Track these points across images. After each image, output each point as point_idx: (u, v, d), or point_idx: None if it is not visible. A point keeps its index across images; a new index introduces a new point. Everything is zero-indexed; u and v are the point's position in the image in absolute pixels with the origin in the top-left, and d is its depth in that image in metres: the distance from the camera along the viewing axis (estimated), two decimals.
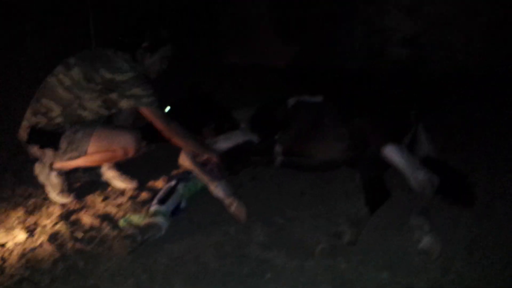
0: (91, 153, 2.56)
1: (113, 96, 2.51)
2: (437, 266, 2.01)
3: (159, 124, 2.57)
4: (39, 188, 2.78)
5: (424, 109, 3.03)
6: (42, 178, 2.72)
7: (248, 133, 2.98)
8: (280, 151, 2.88)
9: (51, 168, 2.68)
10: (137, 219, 2.39)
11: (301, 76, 5.50)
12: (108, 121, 2.79)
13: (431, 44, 5.33)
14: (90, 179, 2.94)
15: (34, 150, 2.60)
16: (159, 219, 2.32)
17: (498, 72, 4.79)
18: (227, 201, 2.47)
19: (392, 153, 2.48)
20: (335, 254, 2.13)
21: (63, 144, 2.53)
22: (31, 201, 2.72)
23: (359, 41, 5.65)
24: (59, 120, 2.52)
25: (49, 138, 2.55)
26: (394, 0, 5.34)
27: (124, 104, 2.53)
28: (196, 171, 2.65)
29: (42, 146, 2.58)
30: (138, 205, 2.65)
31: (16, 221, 2.50)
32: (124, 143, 2.57)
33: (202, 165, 2.72)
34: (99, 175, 2.91)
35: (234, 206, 2.44)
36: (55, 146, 2.54)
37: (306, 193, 2.74)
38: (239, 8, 6.15)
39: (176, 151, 2.79)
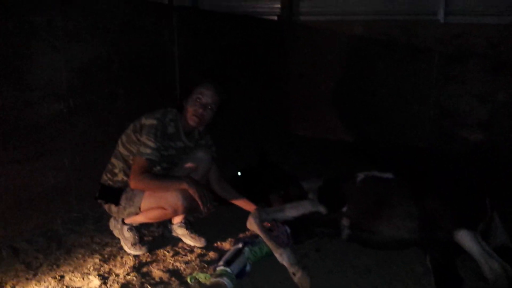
0: (144, 210, 2.72)
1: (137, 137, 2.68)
2: None
3: (133, 171, 2.60)
4: (116, 238, 2.94)
5: (498, 197, 2.95)
6: (116, 232, 2.92)
7: (315, 204, 3.02)
8: (347, 225, 2.89)
9: (123, 222, 2.87)
10: (203, 277, 2.45)
11: (370, 152, 5.54)
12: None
13: (503, 131, 5.23)
14: (163, 234, 3.07)
15: (103, 205, 2.84)
16: (225, 280, 2.36)
17: None
18: (292, 269, 2.48)
19: (465, 239, 2.43)
20: None
21: (122, 200, 2.74)
22: (107, 250, 2.87)
23: (430, 123, 5.65)
24: (121, 176, 2.75)
25: (113, 195, 2.77)
26: (467, 86, 5.36)
27: (134, 148, 2.68)
28: (263, 236, 2.70)
29: (107, 202, 2.80)
30: (206, 263, 2.72)
31: (92, 268, 2.65)
32: (172, 202, 2.63)
33: (269, 231, 2.78)
34: (170, 231, 3.04)
35: (298, 276, 2.44)
36: (116, 202, 2.75)
37: (371, 271, 2.68)
38: (310, 82, 6.40)
39: (245, 214, 2.88)
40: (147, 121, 2.65)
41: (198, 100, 2.75)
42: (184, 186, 2.58)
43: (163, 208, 2.67)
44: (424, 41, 5.54)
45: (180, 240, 3.00)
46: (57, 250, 2.83)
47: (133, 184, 2.60)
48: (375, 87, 5.94)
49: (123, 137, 2.77)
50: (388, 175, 3.02)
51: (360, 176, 3.09)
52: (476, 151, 5.30)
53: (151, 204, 2.70)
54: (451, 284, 2.35)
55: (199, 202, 2.55)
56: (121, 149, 2.75)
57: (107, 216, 3.12)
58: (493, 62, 5.20)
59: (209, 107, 2.77)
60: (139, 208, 2.72)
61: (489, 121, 5.30)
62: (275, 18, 6.63)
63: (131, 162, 2.70)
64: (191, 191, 2.57)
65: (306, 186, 3.25)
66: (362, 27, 5.92)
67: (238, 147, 4.89)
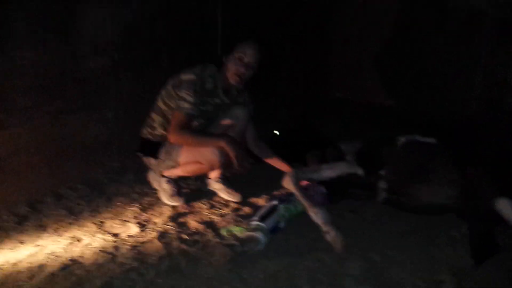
0: (183, 164, 2.77)
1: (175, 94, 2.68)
2: None
3: (172, 126, 2.63)
4: (154, 188, 3.03)
5: None
6: (155, 184, 3.01)
7: (353, 166, 2.99)
8: (384, 188, 2.85)
9: (161, 175, 2.94)
10: (238, 230, 2.51)
11: (414, 118, 5.37)
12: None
13: None
14: (200, 188, 3.15)
15: (142, 158, 2.90)
16: (259, 234, 2.40)
17: None
18: (325, 228, 2.49)
19: (505, 208, 2.35)
20: None
21: (161, 154, 2.79)
22: (146, 199, 2.97)
23: (478, 91, 5.40)
24: (160, 130, 2.79)
25: (152, 148, 2.83)
26: None
27: (173, 103, 2.68)
28: (298, 194, 2.71)
29: (146, 155, 2.86)
30: (240, 218, 2.77)
31: (131, 215, 2.75)
32: (209, 157, 2.68)
33: (304, 190, 2.78)
34: (207, 185, 3.10)
35: (331, 234, 2.45)
36: (155, 155, 2.80)
37: (406, 234, 2.65)
38: (355, 47, 6.22)
39: (280, 173, 2.89)
40: (186, 76, 2.66)
41: (240, 59, 2.72)
42: (222, 144, 2.62)
43: (200, 162, 2.72)
44: (476, 4, 5.22)
45: (216, 194, 3.06)
46: (98, 198, 2.96)
47: (172, 138, 2.65)
48: (422, 51, 5.69)
49: (163, 92, 2.80)
50: (431, 140, 2.93)
51: (402, 139, 3.01)
52: None
53: (189, 158, 2.74)
54: (487, 251, 2.30)
55: (234, 161, 2.59)
56: (160, 104, 2.79)
57: (147, 168, 3.22)
58: None
59: (251, 66, 2.75)
60: (177, 162, 2.78)
61: None
62: None
63: (170, 117, 2.74)
64: (228, 149, 2.60)
65: (345, 148, 3.20)
66: None
67: (279, 108, 4.87)
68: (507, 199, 2.36)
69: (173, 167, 2.83)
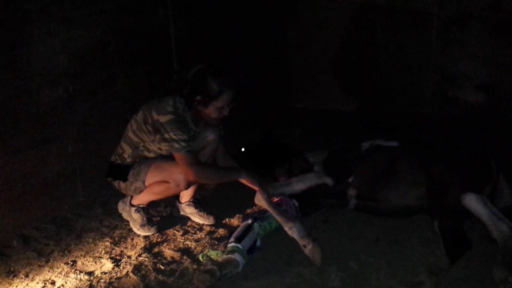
0: (149, 184, 2.74)
1: (158, 137, 2.61)
2: None
3: (183, 170, 2.60)
4: (125, 220, 2.96)
5: (503, 159, 2.94)
6: (124, 214, 2.94)
7: (321, 176, 3.02)
8: (354, 195, 2.90)
9: (131, 204, 2.89)
10: (215, 254, 2.48)
11: (372, 122, 5.51)
12: None
13: (507, 92, 5.17)
14: (171, 214, 3.09)
15: (112, 182, 2.86)
16: (237, 256, 2.38)
17: None
18: (302, 242, 2.49)
19: (473, 202, 2.44)
20: None
21: (130, 176, 2.77)
22: (117, 232, 2.90)
23: (431, 88, 5.60)
24: (129, 160, 2.78)
25: (120, 171, 2.80)
26: (467, 49, 5.26)
27: (163, 147, 2.65)
28: (271, 210, 2.70)
29: (115, 179, 2.82)
30: (216, 241, 2.74)
31: (103, 251, 2.67)
32: (175, 175, 2.64)
33: (277, 205, 2.79)
34: (178, 211, 3.06)
35: (309, 248, 2.46)
36: (124, 178, 2.78)
37: (381, 239, 2.71)
38: (309, 53, 6.32)
39: (252, 190, 2.88)
40: (163, 117, 2.56)
41: (222, 107, 2.66)
42: (243, 176, 2.74)
43: (166, 182, 2.70)
44: (422, 5, 5.44)
45: (189, 219, 3.02)
46: (67, 236, 2.86)
47: (191, 177, 2.60)
48: (376, 55, 5.85)
49: (133, 124, 2.74)
50: (393, 143, 3.01)
51: (365, 145, 3.08)
52: (479, 115, 5.26)
53: (156, 177, 2.72)
54: (459, 248, 2.37)
55: (259, 191, 2.69)
56: (131, 135, 2.74)
57: (114, 199, 3.15)
58: (493, 23, 5.09)
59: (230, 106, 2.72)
60: (144, 182, 2.73)
61: (491, 84, 5.23)
62: None
63: (142, 148, 2.74)
64: (250, 181, 2.75)
65: (311, 158, 3.23)
66: None
67: (241, 122, 4.87)
68: (474, 193, 2.44)
69: (141, 189, 2.78)
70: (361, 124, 5.40)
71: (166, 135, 2.56)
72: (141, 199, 2.86)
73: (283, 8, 6.21)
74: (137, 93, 3.78)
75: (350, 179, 2.93)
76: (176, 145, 2.56)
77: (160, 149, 2.72)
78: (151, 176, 2.71)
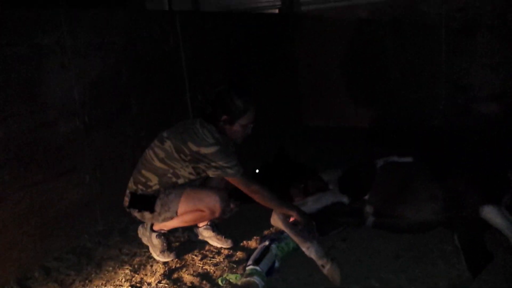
0: (181, 214, 2.75)
1: (201, 165, 2.68)
2: None
3: (243, 189, 2.70)
4: (143, 247, 2.99)
5: None
6: (144, 239, 2.94)
7: (337, 194, 3.02)
8: (371, 212, 2.89)
9: (152, 230, 2.90)
10: (234, 278, 2.48)
11: (386, 137, 5.50)
12: (202, 182, 2.98)
13: None
14: (189, 239, 3.11)
15: (135, 213, 2.83)
16: (256, 279, 2.38)
17: None
18: (320, 262, 2.49)
19: (491, 214, 2.42)
20: None
21: (157, 206, 2.75)
22: (137, 260, 2.92)
23: (443, 100, 5.58)
24: (156, 187, 2.76)
25: (146, 202, 2.78)
26: (477, 59, 5.26)
27: (211, 173, 2.70)
28: (288, 231, 2.71)
29: (140, 210, 2.81)
30: (234, 264, 2.74)
31: (123, 279, 2.69)
32: (210, 204, 2.71)
33: (294, 226, 2.79)
34: (196, 235, 3.07)
35: (327, 268, 2.45)
36: (151, 208, 2.76)
37: (401, 255, 2.68)
38: (319, 71, 6.37)
39: (268, 212, 2.89)
40: (206, 149, 2.63)
41: (247, 125, 2.78)
42: (294, 214, 2.75)
43: (200, 210, 2.74)
44: (429, 17, 5.46)
45: (207, 243, 3.03)
46: (88, 265, 2.89)
47: (253, 197, 2.72)
48: (386, 70, 5.88)
49: (160, 153, 2.74)
50: (408, 159, 3.01)
51: (380, 162, 3.08)
52: (493, 124, 5.22)
53: (189, 207, 2.74)
54: (481, 261, 2.34)
55: (310, 231, 2.73)
56: (158, 163, 2.74)
57: (133, 227, 3.17)
58: (501, 31, 5.11)
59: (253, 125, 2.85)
60: (176, 213, 2.76)
61: (502, 92, 5.21)
62: (276, 11, 6.62)
63: (170, 176, 2.74)
64: (299, 220, 2.75)
65: (326, 177, 3.24)
66: (366, 11, 5.86)
67: (253, 143, 4.90)
68: (492, 205, 2.42)
69: (171, 218, 2.80)
70: (374, 140, 5.39)
71: (215, 164, 2.64)
72: (166, 225, 2.88)
73: (290, 27, 6.30)
74: (151, 120, 3.86)
75: (366, 197, 2.92)
76: (230, 171, 2.64)
77: (191, 173, 2.76)
78: (184, 206, 2.74)
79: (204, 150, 2.62)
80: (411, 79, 5.74)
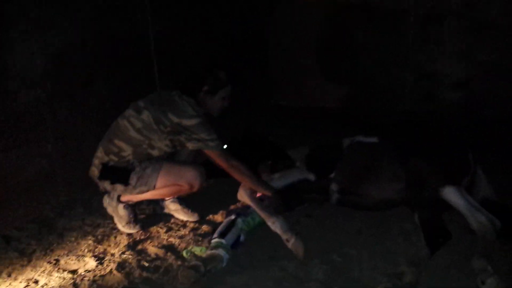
0: (159, 187, 2.73)
1: (181, 138, 2.68)
2: None
3: (221, 163, 2.74)
4: (107, 218, 2.95)
5: (479, 153, 3.01)
6: (110, 210, 2.90)
7: (304, 172, 3.06)
8: (336, 190, 2.94)
9: (118, 200, 2.85)
10: (199, 250, 2.49)
11: (353, 118, 5.58)
12: (170, 156, 2.95)
13: (482, 89, 5.29)
14: (154, 211, 3.09)
15: (106, 185, 2.78)
16: (221, 251, 2.40)
17: None
18: (285, 236, 2.52)
19: (451, 195, 2.48)
20: None
21: (133, 179, 2.71)
22: (100, 231, 2.88)
23: (409, 85, 5.70)
24: (129, 158, 2.71)
25: (120, 174, 2.73)
26: (444, 46, 5.37)
27: (191, 145, 2.70)
28: (254, 206, 2.73)
29: (113, 182, 2.76)
30: (200, 237, 2.75)
31: (86, 249, 2.66)
32: (190, 179, 2.73)
33: (260, 201, 2.81)
34: (162, 208, 3.05)
35: (292, 242, 2.49)
36: (125, 181, 2.72)
37: (363, 232, 2.76)
38: (290, 52, 6.37)
39: (235, 186, 2.90)
40: (188, 121, 2.65)
41: (225, 98, 2.89)
42: (268, 191, 2.83)
43: (179, 185, 2.74)
44: (399, 3, 5.52)
45: (172, 216, 3.02)
46: (49, 235, 2.83)
47: (230, 172, 2.77)
48: (355, 53, 5.93)
49: (137, 123, 2.70)
50: (373, 139, 3.05)
51: (346, 141, 3.12)
52: (456, 110, 5.37)
53: (169, 182, 2.74)
54: (439, 239, 2.42)
55: (276, 206, 2.81)
56: (133, 134, 2.69)
57: (97, 198, 3.12)
58: (469, 21, 5.22)
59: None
60: (154, 187, 2.74)
61: (467, 80, 5.35)
62: None
63: (145, 146, 2.72)
64: (274, 198, 2.84)
65: (293, 155, 3.27)
66: None
67: (223, 120, 4.87)
68: (452, 186, 2.49)
69: (146, 191, 2.77)
70: (342, 121, 5.46)
71: (197, 136, 2.66)
72: (135, 197, 2.84)
73: (261, 8, 6.24)
74: (117, 93, 3.77)
75: (332, 175, 2.97)
76: (211, 144, 2.68)
77: (167, 146, 2.75)
78: (163, 181, 2.73)
79: (186, 122, 2.63)
80: (379, 63, 5.81)
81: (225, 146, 3.52)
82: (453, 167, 2.68)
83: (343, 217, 2.94)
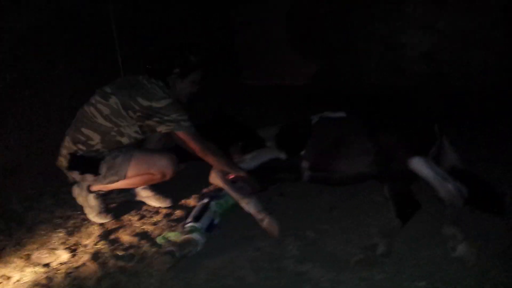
0: (130, 177, 2.68)
1: (151, 122, 2.62)
2: (472, 274, 2.04)
3: (194, 146, 2.67)
4: (77, 209, 2.89)
5: (446, 123, 3.08)
6: (80, 200, 2.83)
7: (274, 151, 3.06)
8: (307, 167, 2.95)
9: (89, 190, 2.79)
10: (174, 236, 2.47)
11: (321, 94, 5.60)
12: (140, 144, 2.90)
13: (448, 60, 5.38)
14: (126, 199, 3.04)
15: (75, 175, 2.71)
16: (196, 236, 2.39)
17: None
18: (259, 216, 2.54)
19: (419, 166, 2.53)
20: (370, 265, 2.17)
21: (103, 169, 2.65)
22: (71, 222, 2.82)
23: (376, 58, 5.74)
24: (98, 147, 2.65)
25: (89, 164, 2.67)
26: (410, 18, 5.42)
27: (163, 128, 2.63)
28: (227, 188, 2.72)
29: (83, 172, 2.69)
30: (173, 222, 2.73)
31: (58, 242, 2.61)
32: (162, 167, 2.69)
33: (232, 183, 2.80)
34: (134, 195, 3.01)
35: (266, 221, 2.51)
36: (95, 171, 2.66)
37: (335, 207, 2.80)
38: (256, 30, 6.31)
39: (206, 170, 2.87)
40: (158, 103, 2.58)
41: (195, 82, 2.82)
42: (242, 175, 2.78)
43: (150, 173, 2.69)
44: None
45: (144, 203, 2.98)
46: (18, 230, 2.76)
47: (203, 155, 2.69)
48: (322, 28, 5.93)
49: (104, 109, 2.61)
50: (341, 114, 3.08)
51: (314, 118, 3.13)
52: (422, 81, 5.46)
53: (140, 171, 2.69)
54: (409, 210, 2.48)
55: (251, 188, 2.77)
56: (101, 121, 2.62)
57: (65, 190, 3.05)
58: None
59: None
60: (124, 176, 2.68)
61: (432, 52, 5.43)
62: None
63: (114, 133, 2.64)
64: (248, 180, 2.79)
65: (263, 134, 3.26)
66: None
67: (191, 102, 4.82)
68: (419, 157, 2.54)
69: (116, 181, 2.71)
70: (311, 98, 5.48)
71: (169, 118, 2.59)
72: (106, 187, 2.78)
73: None
74: (79, 79, 3.65)
75: (302, 152, 2.98)
76: (185, 124, 2.62)
77: (137, 132, 2.68)
78: (134, 170, 2.67)
79: (157, 104, 2.57)
80: (346, 37, 5.83)
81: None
82: (419, 138, 2.73)
83: (316, 194, 2.97)
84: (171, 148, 3.01)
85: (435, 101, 4.71)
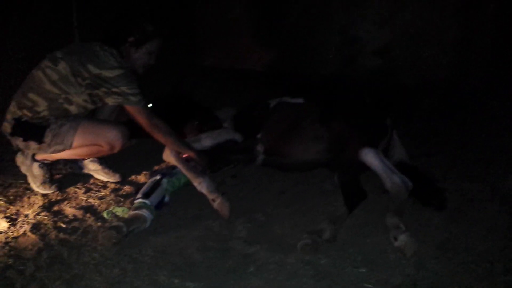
0: (76, 147, 2.58)
1: (100, 92, 2.52)
2: (411, 263, 2.12)
3: (143, 121, 2.59)
4: (20, 178, 2.76)
5: (396, 117, 3.17)
6: (24, 168, 2.71)
7: (230, 132, 3.05)
8: (261, 150, 2.96)
9: (33, 159, 2.67)
10: (121, 211, 2.42)
11: (278, 79, 5.62)
12: (91, 115, 2.80)
13: (402, 55, 5.53)
14: (72, 171, 2.94)
15: (18, 142, 2.58)
16: (144, 212, 2.35)
17: (465, 83, 5.02)
18: (211, 196, 2.53)
19: (369, 157, 2.59)
20: (316, 250, 2.21)
21: (47, 137, 2.53)
22: (12, 191, 2.70)
23: (333, 49, 5.81)
24: (44, 114, 2.53)
25: (34, 131, 2.54)
26: (368, 12, 5.51)
27: (110, 100, 2.54)
28: (180, 166, 2.69)
29: (26, 139, 2.56)
30: (121, 198, 2.67)
31: None
32: (111, 138, 2.59)
33: (186, 161, 2.77)
34: (81, 168, 2.91)
35: (217, 202, 2.50)
36: (39, 139, 2.54)
37: (285, 192, 2.83)
38: (217, 10, 6.21)
39: (159, 147, 2.82)
40: (109, 72, 2.47)
41: (151, 53, 2.72)
42: (194, 155, 2.73)
43: (98, 145, 2.59)
44: None
45: (91, 176, 2.90)
46: None
47: (151, 131, 2.60)
48: (283, 14, 5.92)
49: (52, 75, 2.49)
50: (299, 100, 3.09)
51: (272, 102, 3.14)
52: (376, 75, 5.57)
53: (87, 141, 2.58)
54: (356, 198, 2.54)
55: (202, 167, 2.74)
56: (48, 87, 2.49)
57: (7, 157, 2.91)
58: None
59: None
60: (70, 146, 2.57)
61: (387, 46, 5.55)
62: None
63: (61, 101, 2.52)
64: (198, 161, 2.74)
65: (220, 115, 3.24)
66: None
67: (147, 79, 4.69)
68: (370, 148, 2.61)
69: (61, 150, 2.59)
70: (269, 82, 5.49)
71: (117, 90, 2.48)
72: (51, 156, 2.67)
73: None
74: (33, 41, 3.47)
75: (258, 136, 2.99)
76: (133, 98, 2.51)
77: (86, 101, 2.57)
78: (80, 140, 2.56)
79: (107, 73, 2.47)
80: (306, 26, 5.86)
81: (150, 105, 3.43)
82: (371, 130, 2.80)
83: (268, 178, 2.99)
84: (125, 121, 2.93)
85: (387, 95, 4.83)
